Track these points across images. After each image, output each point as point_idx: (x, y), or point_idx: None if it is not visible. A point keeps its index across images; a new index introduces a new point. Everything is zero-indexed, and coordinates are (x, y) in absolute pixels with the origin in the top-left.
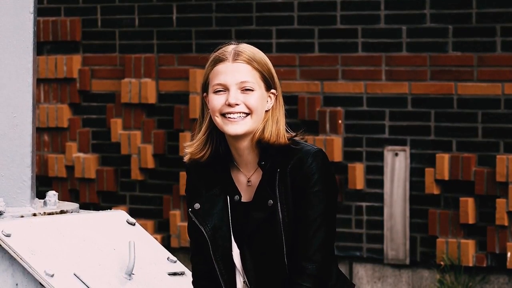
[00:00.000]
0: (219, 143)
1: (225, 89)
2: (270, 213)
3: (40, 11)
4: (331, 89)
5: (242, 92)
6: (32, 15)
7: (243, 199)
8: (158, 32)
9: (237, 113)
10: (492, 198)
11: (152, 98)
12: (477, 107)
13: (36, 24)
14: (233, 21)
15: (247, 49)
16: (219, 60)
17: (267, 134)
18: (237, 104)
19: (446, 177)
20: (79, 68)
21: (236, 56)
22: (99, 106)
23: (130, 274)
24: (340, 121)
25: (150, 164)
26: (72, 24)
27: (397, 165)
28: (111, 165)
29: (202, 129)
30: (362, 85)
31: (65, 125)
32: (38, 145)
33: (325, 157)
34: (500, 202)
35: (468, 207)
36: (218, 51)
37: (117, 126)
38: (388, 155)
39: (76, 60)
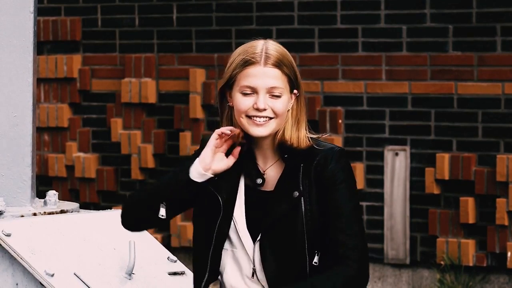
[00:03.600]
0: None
1: (254, 92)
2: (293, 205)
3: (40, 11)
4: (331, 88)
5: (270, 97)
6: (32, 14)
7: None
8: (158, 31)
9: (263, 117)
10: (492, 198)
11: (152, 98)
12: (477, 107)
13: (36, 23)
14: (233, 20)
15: (276, 51)
16: (249, 62)
17: (287, 137)
18: (264, 109)
19: (446, 177)
20: (79, 67)
21: (267, 59)
22: (99, 105)
23: (130, 273)
24: (340, 121)
25: (150, 163)
26: (72, 23)
27: (397, 164)
28: (111, 165)
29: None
30: (362, 85)
31: (65, 124)
32: (38, 145)
33: (347, 156)
34: (500, 202)
35: (468, 207)
36: (247, 51)
37: (117, 126)
38: (388, 154)
39: (76, 59)
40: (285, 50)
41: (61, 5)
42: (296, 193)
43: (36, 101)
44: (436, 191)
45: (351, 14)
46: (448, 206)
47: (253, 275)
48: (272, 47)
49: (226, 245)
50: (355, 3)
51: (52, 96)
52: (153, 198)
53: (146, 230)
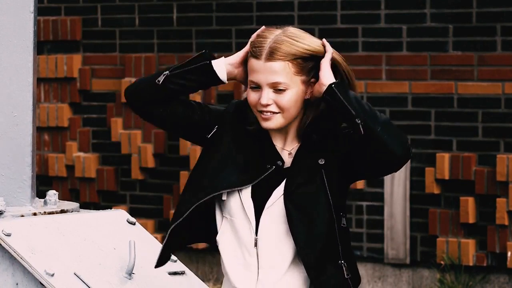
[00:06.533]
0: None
1: (259, 86)
2: (315, 172)
3: (40, 11)
4: None
5: (274, 92)
6: (33, 14)
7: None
8: (159, 31)
9: (269, 111)
10: (492, 198)
11: None
12: (477, 107)
13: (37, 23)
14: (233, 20)
15: (287, 41)
16: (254, 54)
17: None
18: (268, 104)
19: (447, 177)
20: (79, 67)
21: (270, 55)
22: (99, 105)
23: (130, 273)
24: None
25: (151, 163)
26: (72, 23)
27: None
28: (111, 165)
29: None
30: (363, 85)
31: (66, 124)
32: (38, 145)
33: None
34: (500, 202)
35: (469, 207)
36: (256, 42)
37: (117, 126)
38: None
39: (77, 59)
40: (305, 37)
41: (61, 5)
42: (322, 160)
43: (36, 101)
44: (436, 191)
45: (351, 14)
46: (448, 206)
47: (255, 245)
48: (281, 38)
49: (225, 213)
50: (355, 3)
51: (52, 96)
52: (161, 72)
53: (147, 106)
